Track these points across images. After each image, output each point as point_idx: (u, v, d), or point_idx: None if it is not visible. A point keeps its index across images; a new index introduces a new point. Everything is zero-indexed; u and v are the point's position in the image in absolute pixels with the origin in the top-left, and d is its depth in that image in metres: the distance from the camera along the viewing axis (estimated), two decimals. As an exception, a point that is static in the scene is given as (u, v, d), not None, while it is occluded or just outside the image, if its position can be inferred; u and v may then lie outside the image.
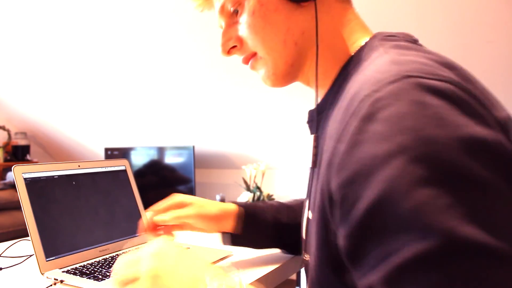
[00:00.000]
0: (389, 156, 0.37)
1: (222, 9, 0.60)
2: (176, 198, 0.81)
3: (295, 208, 0.87)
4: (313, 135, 0.57)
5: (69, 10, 2.30)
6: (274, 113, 2.62)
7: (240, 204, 0.84)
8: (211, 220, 0.80)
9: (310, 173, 0.60)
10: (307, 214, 0.60)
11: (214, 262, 0.85)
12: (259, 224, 0.83)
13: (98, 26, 2.38)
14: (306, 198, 0.63)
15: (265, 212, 0.84)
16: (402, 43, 0.50)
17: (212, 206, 0.81)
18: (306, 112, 0.63)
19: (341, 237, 0.42)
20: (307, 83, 0.62)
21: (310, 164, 0.57)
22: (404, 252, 0.34)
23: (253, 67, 0.62)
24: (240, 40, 0.60)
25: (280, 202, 0.89)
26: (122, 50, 2.53)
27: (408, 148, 0.36)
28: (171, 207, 0.79)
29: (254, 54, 0.61)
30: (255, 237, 0.84)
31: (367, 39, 0.56)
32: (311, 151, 0.57)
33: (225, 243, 0.85)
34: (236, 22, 0.60)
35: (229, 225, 0.81)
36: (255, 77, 0.65)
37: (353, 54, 0.56)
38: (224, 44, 0.61)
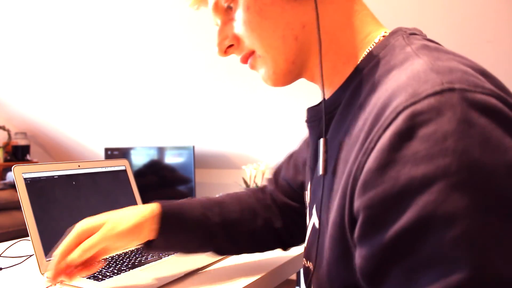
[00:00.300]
0: (429, 180, 0.34)
1: (216, 5, 0.55)
2: (81, 226, 0.67)
3: (228, 204, 0.77)
4: (322, 139, 0.50)
5: (69, 10, 2.30)
6: (274, 113, 2.62)
7: (163, 203, 0.71)
8: (130, 234, 0.66)
9: (317, 179, 0.56)
10: (313, 221, 0.57)
11: (214, 262, 0.85)
12: (185, 223, 0.71)
13: (98, 26, 2.38)
14: (311, 204, 0.59)
15: (192, 209, 0.73)
16: (429, 43, 0.46)
17: (129, 216, 0.68)
18: (307, 112, 0.59)
19: (358, 256, 0.40)
20: (312, 80, 0.58)
21: (320, 171, 0.51)
22: (434, 284, 0.33)
23: (252, 66, 0.58)
24: (237, 38, 0.56)
25: (209, 198, 0.79)
26: (122, 50, 2.53)
27: (451, 173, 0.33)
28: (78, 240, 0.66)
29: (252, 53, 0.56)
30: (181, 239, 0.72)
31: (382, 33, 0.52)
32: (321, 155, 0.50)
33: (147, 251, 0.73)
34: (232, 19, 0.55)
35: (153, 230, 0.68)
36: (255, 77, 0.63)
37: (369, 49, 0.51)
38: (220, 44, 0.57)
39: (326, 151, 0.50)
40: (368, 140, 0.40)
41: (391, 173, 0.36)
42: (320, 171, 0.50)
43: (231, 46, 0.57)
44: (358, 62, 0.51)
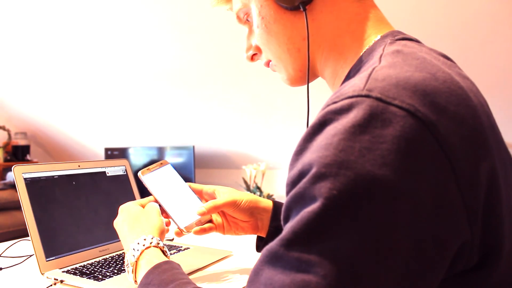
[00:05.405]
0: (310, 165, 0.39)
1: (238, 18, 0.63)
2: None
3: None
4: None
5: (69, 10, 2.30)
6: (274, 113, 2.63)
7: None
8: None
9: None
10: None
11: (214, 262, 0.85)
12: None
13: (98, 26, 2.38)
14: None
15: None
16: (404, 48, 0.47)
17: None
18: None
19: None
20: (325, 79, 0.62)
21: None
22: (298, 213, 0.40)
23: (274, 70, 0.64)
24: (258, 48, 0.63)
25: None
26: (122, 51, 2.54)
27: (324, 164, 0.38)
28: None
29: (270, 60, 0.63)
30: None
31: (378, 36, 0.53)
32: None
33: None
34: (253, 31, 0.62)
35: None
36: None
37: (361, 53, 0.54)
38: (246, 52, 0.65)
39: None
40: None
41: (300, 158, 0.42)
42: None
43: (255, 54, 0.65)
44: (351, 66, 0.54)
